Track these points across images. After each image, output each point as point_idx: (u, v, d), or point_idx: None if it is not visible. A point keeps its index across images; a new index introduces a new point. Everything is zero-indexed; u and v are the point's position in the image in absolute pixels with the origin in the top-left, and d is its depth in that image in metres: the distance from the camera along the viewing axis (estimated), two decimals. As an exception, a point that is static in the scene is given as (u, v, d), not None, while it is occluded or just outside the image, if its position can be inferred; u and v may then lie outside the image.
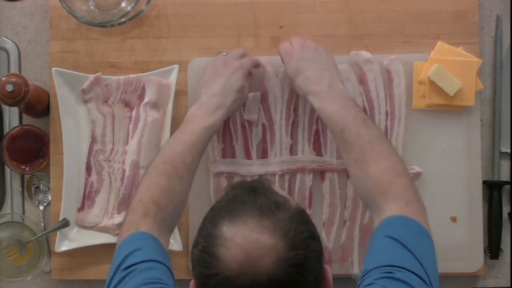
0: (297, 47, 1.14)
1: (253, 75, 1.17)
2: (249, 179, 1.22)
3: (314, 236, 0.80)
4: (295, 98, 1.23)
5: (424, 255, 0.90)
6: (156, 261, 0.93)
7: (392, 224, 0.95)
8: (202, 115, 1.09)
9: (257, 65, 1.18)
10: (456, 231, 1.23)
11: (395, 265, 0.87)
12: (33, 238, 1.23)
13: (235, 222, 0.77)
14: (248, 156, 1.23)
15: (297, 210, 0.81)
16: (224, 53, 1.17)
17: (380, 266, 0.88)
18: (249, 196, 0.80)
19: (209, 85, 1.12)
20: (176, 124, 1.25)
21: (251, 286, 0.75)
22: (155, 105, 1.24)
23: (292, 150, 1.23)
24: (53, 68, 1.23)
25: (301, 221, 0.79)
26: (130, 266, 0.91)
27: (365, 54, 1.23)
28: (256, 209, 0.78)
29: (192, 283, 0.82)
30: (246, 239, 0.75)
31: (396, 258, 0.89)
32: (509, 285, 1.26)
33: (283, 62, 1.17)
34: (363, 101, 1.23)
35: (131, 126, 1.25)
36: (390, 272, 0.87)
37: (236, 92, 1.11)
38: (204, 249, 0.78)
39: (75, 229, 1.25)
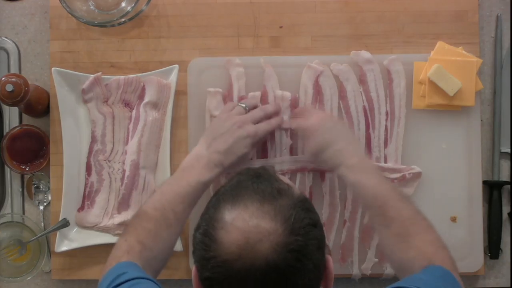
0: (316, 121, 1.13)
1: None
2: None
3: (315, 224, 0.80)
4: (295, 99, 1.23)
5: None
6: (142, 278, 0.93)
7: (431, 269, 0.94)
8: (200, 168, 1.08)
9: (275, 127, 1.17)
10: (456, 231, 1.23)
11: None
12: (33, 238, 1.23)
13: (236, 207, 0.78)
14: (248, 156, 1.23)
15: (300, 197, 0.81)
16: (243, 106, 1.15)
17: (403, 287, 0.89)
18: (252, 182, 0.81)
19: (216, 139, 1.10)
20: (176, 124, 1.25)
21: (249, 270, 0.75)
22: (155, 105, 1.24)
23: (292, 150, 1.23)
24: (53, 68, 1.23)
25: (303, 208, 0.79)
26: (117, 285, 0.91)
27: (365, 54, 1.23)
28: (258, 194, 0.78)
29: (193, 269, 0.82)
30: (246, 223, 0.76)
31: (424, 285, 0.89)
32: (509, 285, 1.26)
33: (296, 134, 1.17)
34: (363, 101, 1.23)
35: (131, 126, 1.25)
36: None
37: (238, 157, 1.10)
38: (204, 232, 0.79)
39: (75, 229, 1.25)
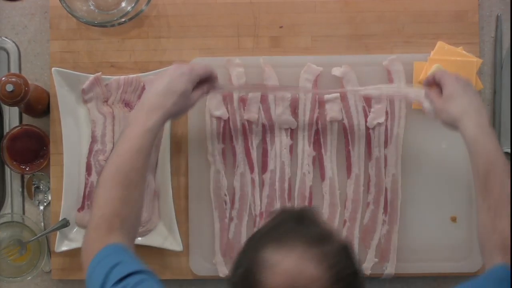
0: (460, 77, 1.11)
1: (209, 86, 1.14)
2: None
3: (357, 272, 0.79)
4: (295, 99, 1.23)
5: None
6: (142, 271, 0.91)
7: (497, 272, 0.92)
8: (143, 117, 1.05)
9: (211, 77, 1.14)
10: (456, 231, 1.23)
11: None
12: (33, 238, 1.23)
13: (281, 249, 0.76)
14: (248, 156, 1.23)
15: (343, 244, 0.80)
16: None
17: None
18: (297, 224, 0.79)
19: (153, 84, 1.09)
20: (175, 124, 1.25)
21: None
22: (155, 105, 1.24)
23: (292, 150, 1.23)
24: (53, 68, 1.23)
25: (347, 256, 0.78)
26: (119, 281, 0.88)
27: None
28: (304, 237, 0.77)
29: None
30: (292, 267, 0.74)
31: None
32: (509, 285, 1.26)
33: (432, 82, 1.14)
34: (362, 101, 1.23)
35: (131, 126, 1.25)
36: None
37: (178, 95, 1.07)
38: (246, 273, 0.77)
39: (75, 229, 1.25)
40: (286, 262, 0.74)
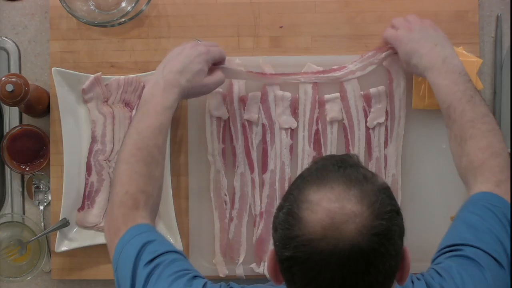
0: (403, 31, 1.17)
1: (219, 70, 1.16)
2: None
3: (398, 212, 0.80)
4: (295, 99, 1.23)
5: (505, 237, 0.93)
6: (175, 251, 0.95)
7: (476, 201, 0.97)
8: (160, 94, 1.07)
9: (223, 60, 1.17)
10: (456, 231, 1.23)
11: (467, 244, 0.92)
12: (33, 238, 1.23)
13: (322, 188, 0.77)
14: (248, 156, 1.23)
15: (384, 185, 0.81)
16: (199, 41, 1.17)
17: (453, 245, 0.93)
18: (339, 167, 0.81)
19: (169, 62, 1.11)
20: (176, 124, 1.25)
21: (333, 251, 0.74)
22: (155, 105, 1.24)
23: (292, 150, 1.23)
24: (53, 68, 1.23)
25: (387, 195, 0.79)
26: (152, 260, 0.92)
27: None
28: (344, 177, 0.78)
29: (270, 252, 0.82)
30: (332, 204, 0.76)
31: (470, 236, 0.93)
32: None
33: (391, 48, 1.20)
34: (362, 101, 1.23)
35: (131, 126, 1.25)
36: (460, 250, 0.91)
37: (193, 73, 1.10)
38: (289, 212, 0.78)
39: (75, 229, 1.25)
40: (326, 199, 0.76)
